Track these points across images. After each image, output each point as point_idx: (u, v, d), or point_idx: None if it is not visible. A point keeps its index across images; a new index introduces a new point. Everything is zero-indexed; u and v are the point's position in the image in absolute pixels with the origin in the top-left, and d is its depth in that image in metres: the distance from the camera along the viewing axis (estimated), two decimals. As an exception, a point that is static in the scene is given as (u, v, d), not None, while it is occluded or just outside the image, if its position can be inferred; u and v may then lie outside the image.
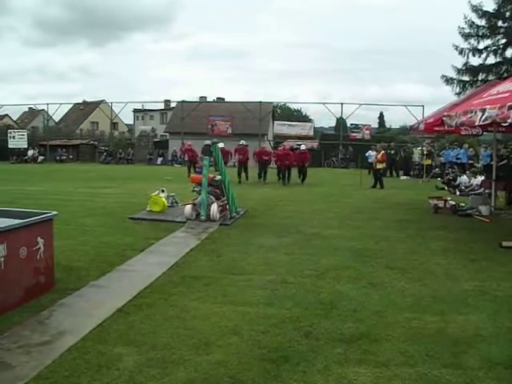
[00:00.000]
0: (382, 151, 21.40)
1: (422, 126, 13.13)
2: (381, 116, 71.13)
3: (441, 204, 13.04)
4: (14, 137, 44.61)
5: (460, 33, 33.17)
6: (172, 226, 9.89)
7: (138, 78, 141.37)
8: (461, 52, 33.00)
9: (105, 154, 43.68)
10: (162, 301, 5.42)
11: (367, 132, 39.78)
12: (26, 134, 45.78)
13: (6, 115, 62.02)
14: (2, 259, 4.94)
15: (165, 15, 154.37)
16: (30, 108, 64.53)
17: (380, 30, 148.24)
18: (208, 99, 55.92)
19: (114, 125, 54.06)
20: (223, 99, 55.15)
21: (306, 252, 7.83)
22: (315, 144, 42.28)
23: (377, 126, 62.10)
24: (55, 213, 5.88)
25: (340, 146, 39.29)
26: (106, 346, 4.23)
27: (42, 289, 5.55)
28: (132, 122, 66.05)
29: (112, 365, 3.89)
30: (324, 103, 41.82)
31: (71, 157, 44.82)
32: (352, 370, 3.83)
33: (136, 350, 4.17)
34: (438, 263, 7.23)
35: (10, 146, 44.08)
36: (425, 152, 27.01)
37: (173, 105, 54.68)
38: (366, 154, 30.41)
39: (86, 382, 3.64)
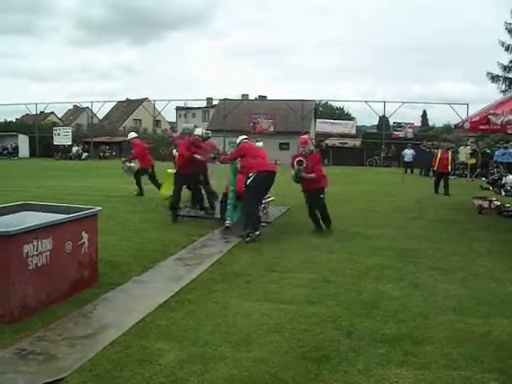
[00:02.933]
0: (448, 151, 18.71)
1: (466, 125, 12.83)
2: (424, 114, 70.04)
3: (485, 204, 12.73)
4: (58, 134, 45.64)
5: (507, 28, 32.46)
6: (214, 223, 9.94)
7: (180, 76, 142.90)
8: (507, 48, 32.28)
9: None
10: (203, 297, 5.46)
11: (410, 130, 39.19)
12: (70, 131, 46.79)
13: (52, 113, 63.56)
14: (48, 253, 5.05)
15: (204, 13, 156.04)
16: (74, 106, 66.03)
17: (423, 28, 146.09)
18: (250, 97, 56.05)
19: (157, 122, 54.75)
20: (265, 97, 55.14)
21: (348, 251, 7.77)
22: (357, 142, 41.98)
23: (420, 124, 61.20)
24: (99, 208, 5.98)
25: (382, 144, 38.85)
26: (147, 341, 4.28)
27: (86, 283, 5.65)
28: (174, 120, 66.76)
29: (153, 359, 3.93)
30: (366, 101, 41.39)
31: (114, 153, 45.56)
32: (393, 371, 3.77)
33: (177, 345, 4.21)
34: (482, 265, 7.08)
35: (54, 143, 45.11)
36: (469, 151, 26.42)
37: (215, 103, 54.93)
38: (402, 153, 29.98)
39: (128, 375, 3.69)
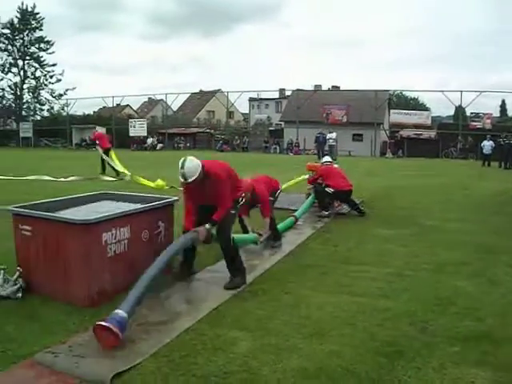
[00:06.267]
0: None
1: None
2: (503, 104, 67.14)
3: None
4: (134, 126, 47.01)
5: None
6: (286, 213, 9.95)
7: (252, 67, 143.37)
8: None
9: (221, 142, 44.78)
10: (276, 288, 5.48)
11: (488, 121, 37.89)
12: (145, 122, 48.12)
13: (127, 105, 65.24)
14: (126, 241, 5.23)
15: (274, 4, 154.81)
16: (149, 98, 67.66)
17: (500, 12, 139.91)
18: (323, 87, 55.58)
19: (230, 113, 55.23)
20: (338, 87, 54.55)
21: (424, 245, 7.60)
22: (432, 134, 40.95)
23: (498, 114, 58.84)
24: (176, 198, 6.11)
25: (459, 135, 37.71)
26: (221, 330, 4.34)
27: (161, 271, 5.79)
28: (247, 111, 67.14)
29: (227, 348, 3.98)
30: (442, 91, 40.23)
31: (188, 145, 46.47)
32: (469, 371, 3.65)
33: (250, 335, 4.25)
34: None
35: (130, 134, 46.42)
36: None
37: (288, 93, 54.87)
38: (481, 145, 28.97)
39: (202, 362, 3.75)
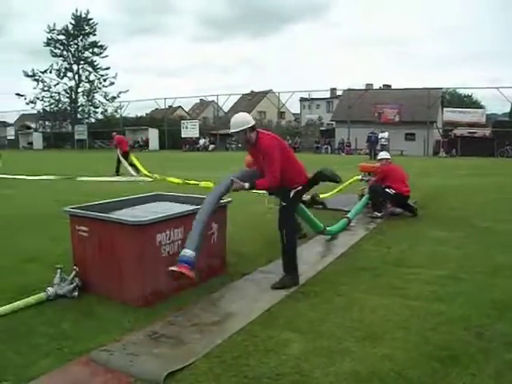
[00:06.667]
0: None
1: None
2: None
3: None
4: (186, 127, 47.68)
5: None
6: (339, 214, 9.86)
7: (303, 67, 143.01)
8: None
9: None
10: (329, 290, 5.45)
11: (547, 118, 36.69)
12: (197, 124, 48.70)
13: (179, 107, 66.16)
14: (180, 242, 5.30)
15: (325, 3, 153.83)
16: (200, 100, 68.43)
17: None
18: (374, 86, 54.98)
19: (281, 114, 55.29)
20: (389, 86, 53.84)
21: (478, 247, 7.42)
22: (487, 132, 39.95)
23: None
24: (229, 199, 6.17)
25: (515, 133, 36.68)
26: (273, 331, 4.35)
27: (215, 271, 5.86)
28: (298, 111, 67.02)
29: (279, 349, 3.99)
30: (497, 88, 39.21)
31: (240, 145, 46.58)
32: (528, 378, 3.56)
33: (302, 337, 4.24)
34: None
35: (182, 136, 47.05)
36: None
37: (339, 93, 54.52)
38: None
39: (254, 363, 3.77)
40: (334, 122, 48.62)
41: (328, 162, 25.49)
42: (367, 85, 54.60)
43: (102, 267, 5.21)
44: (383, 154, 11.12)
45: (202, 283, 5.56)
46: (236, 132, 5.47)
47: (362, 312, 4.82)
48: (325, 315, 4.74)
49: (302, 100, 65.52)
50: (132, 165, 19.84)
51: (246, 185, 5.42)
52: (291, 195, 5.72)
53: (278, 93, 50.20)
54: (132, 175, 19.10)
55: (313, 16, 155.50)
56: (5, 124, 70.15)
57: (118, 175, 19.29)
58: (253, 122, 5.50)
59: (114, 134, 21.96)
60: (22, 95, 62.62)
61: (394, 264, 6.52)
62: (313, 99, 64.87)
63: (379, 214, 9.92)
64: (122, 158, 19.70)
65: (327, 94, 61.37)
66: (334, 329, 4.41)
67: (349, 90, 48.68)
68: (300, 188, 5.81)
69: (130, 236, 4.93)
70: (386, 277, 5.97)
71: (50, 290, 5.12)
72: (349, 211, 9.40)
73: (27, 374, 3.66)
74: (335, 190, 11.96)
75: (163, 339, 4.22)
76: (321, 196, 11.69)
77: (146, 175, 18.41)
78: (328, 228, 7.59)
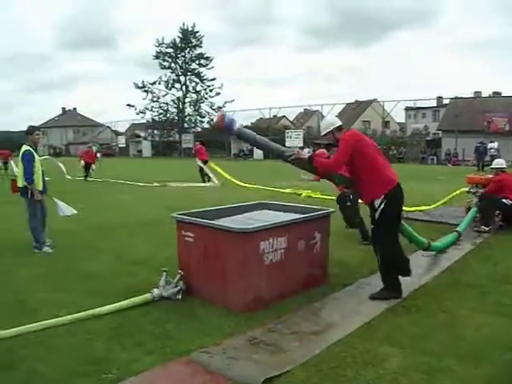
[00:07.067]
0: None
1: None
2: None
3: None
4: (290, 136, 47.98)
5: None
6: (445, 228, 9.54)
7: (408, 75, 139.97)
8: None
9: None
10: (432, 305, 5.31)
11: None
12: (301, 133, 48.81)
13: (283, 117, 66.68)
14: (282, 251, 5.37)
15: (429, 9, 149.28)
16: (304, 109, 68.68)
17: None
18: (483, 94, 52.72)
19: (386, 123, 54.37)
20: (499, 93, 51.40)
21: None
22: None
23: None
24: (332, 210, 6.17)
25: None
26: (371, 344, 4.31)
27: (316, 281, 5.87)
28: (403, 120, 65.58)
29: (377, 363, 3.95)
30: None
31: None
32: None
33: (402, 351, 4.17)
34: None
35: (286, 145, 47.27)
36: None
37: (445, 101, 52.80)
38: None
39: (351, 375, 3.76)
40: (440, 132, 47.13)
41: (434, 173, 24.78)
42: (475, 92, 52.45)
43: (206, 272, 5.38)
44: (499, 163, 10.47)
45: (303, 292, 5.61)
46: (325, 135, 5.67)
47: (465, 330, 4.66)
48: (426, 331, 4.63)
49: (407, 109, 64.01)
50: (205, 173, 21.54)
51: (306, 155, 5.64)
52: (378, 214, 5.43)
53: (383, 102, 49.47)
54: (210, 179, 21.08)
55: (417, 23, 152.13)
56: (116, 133, 73.95)
57: (204, 182, 21.11)
58: (339, 123, 5.63)
59: (197, 143, 23.73)
60: (132, 106, 66.13)
61: (502, 281, 6.23)
62: (418, 108, 63.18)
63: (486, 229, 9.46)
64: (202, 165, 21.41)
65: (433, 103, 59.52)
66: (436, 346, 4.30)
67: (456, 98, 47.11)
68: (385, 201, 5.38)
69: (234, 243, 5.05)
70: (492, 294, 5.72)
71: (156, 291, 5.36)
72: (457, 224, 8.99)
73: (131, 369, 3.87)
74: (439, 203, 11.62)
75: (262, 345, 4.29)
76: (424, 208, 11.43)
77: (233, 182, 19.88)
78: (434, 244, 7.29)
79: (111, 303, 5.19)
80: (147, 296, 5.34)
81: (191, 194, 16.36)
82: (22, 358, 4.07)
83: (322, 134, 5.70)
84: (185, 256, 5.68)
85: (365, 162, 5.38)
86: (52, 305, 5.34)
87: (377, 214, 5.41)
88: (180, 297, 5.42)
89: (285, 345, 4.31)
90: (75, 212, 8.76)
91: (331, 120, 5.79)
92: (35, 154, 7.99)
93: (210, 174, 21.30)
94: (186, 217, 5.68)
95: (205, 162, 21.60)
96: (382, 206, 5.36)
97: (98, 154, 50.72)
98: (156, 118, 66.12)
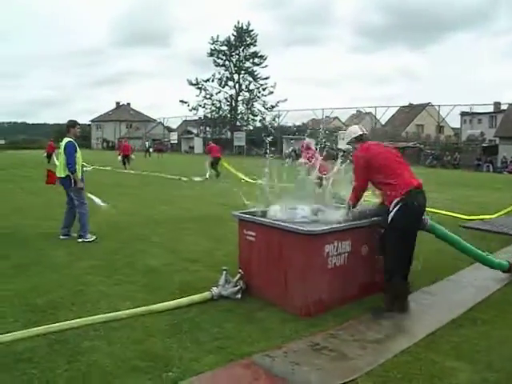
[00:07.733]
0: None
1: None
2: None
3: None
4: (342, 138, 47.44)
5: None
6: (506, 238, 9.27)
7: (465, 79, 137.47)
8: None
9: (431, 157, 43.39)
10: (498, 319, 5.14)
11: None
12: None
13: (336, 118, 66.41)
14: (346, 255, 5.29)
15: (489, 10, 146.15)
16: (357, 111, 68.09)
17: None
18: (545, 100, 51.19)
19: (440, 128, 53.42)
20: (562, 99, 49.82)
21: None
22: None
23: None
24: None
25: None
26: (437, 356, 4.19)
27: (378, 287, 5.72)
28: (458, 126, 64.30)
29: (444, 377, 3.83)
30: None
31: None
32: None
33: (469, 366, 4.03)
34: None
35: (338, 147, 46.96)
36: None
37: (503, 107, 51.52)
38: None
39: (418, 387, 3.65)
40: (497, 138, 46.00)
41: (491, 181, 24.16)
42: (536, 99, 51.10)
43: (267, 273, 5.35)
44: None
45: (365, 298, 5.52)
46: (348, 143, 5.88)
47: (537, 346, 4.47)
48: (493, 345, 4.47)
49: (463, 114, 62.66)
50: (216, 170, 22.90)
51: (350, 202, 5.66)
52: (390, 218, 5.24)
53: (438, 106, 48.62)
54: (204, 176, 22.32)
55: (478, 24, 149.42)
56: (169, 129, 74.98)
57: (217, 177, 22.37)
58: (358, 133, 5.75)
59: (210, 142, 25.67)
60: (185, 102, 66.83)
61: None
62: (474, 113, 61.79)
63: None
64: (207, 162, 23.15)
65: (490, 108, 58.18)
66: (505, 361, 4.15)
67: (513, 104, 45.97)
68: (397, 207, 5.19)
69: (299, 245, 4.99)
70: None
71: (215, 290, 5.35)
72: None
73: (192, 368, 3.86)
74: (501, 212, 11.28)
75: (325, 351, 4.23)
76: (485, 217, 11.10)
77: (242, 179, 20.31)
78: None
79: (168, 299, 5.23)
80: (206, 294, 5.33)
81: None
82: (82, 350, 4.12)
83: (346, 142, 5.92)
84: (245, 255, 5.67)
85: (377, 175, 5.40)
86: (110, 298, 5.43)
87: (388, 219, 5.26)
88: (239, 296, 5.39)
89: (348, 352, 4.23)
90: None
91: (352, 130, 5.94)
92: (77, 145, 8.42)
93: (208, 171, 22.61)
94: (248, 216, 5.66)
95: (217, 159, 23.03)
96: (392, 212, 5.20)
97: (151, 149, 51.85)
98: (208, 115, 66.80)
